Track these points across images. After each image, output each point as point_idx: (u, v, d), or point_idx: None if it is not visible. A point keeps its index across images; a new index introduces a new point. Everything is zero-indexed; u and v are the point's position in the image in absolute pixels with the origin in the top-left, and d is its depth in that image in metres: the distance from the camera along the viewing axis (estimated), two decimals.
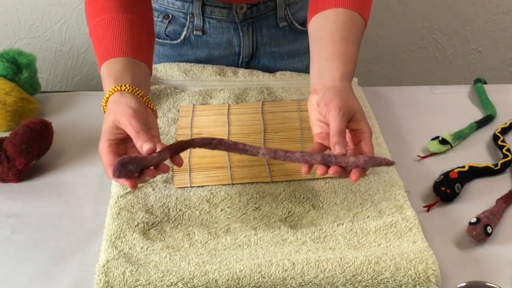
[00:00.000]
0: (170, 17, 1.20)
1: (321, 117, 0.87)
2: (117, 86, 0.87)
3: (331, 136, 0.82)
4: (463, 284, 0.78)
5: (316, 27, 0.96)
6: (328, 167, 0.81)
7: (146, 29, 0.98)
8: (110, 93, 0.87)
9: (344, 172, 0.82)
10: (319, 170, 0.82)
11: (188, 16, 1.20)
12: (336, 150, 0.81)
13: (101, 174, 0.99)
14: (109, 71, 0.90)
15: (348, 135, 0.85)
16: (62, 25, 1.78)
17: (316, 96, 0.88)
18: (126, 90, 0.87)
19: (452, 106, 1.19)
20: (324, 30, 0.94)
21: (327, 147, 0.85)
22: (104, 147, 0.84)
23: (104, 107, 0.88)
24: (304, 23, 1.21)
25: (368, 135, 0.84)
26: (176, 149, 0.84)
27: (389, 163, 0.82)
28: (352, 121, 0.85)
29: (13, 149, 0.96)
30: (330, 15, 0.95)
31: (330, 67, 0.90)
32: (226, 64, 1.22)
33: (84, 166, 1.02)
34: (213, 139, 0.86)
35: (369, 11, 0.98)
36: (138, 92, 0.88)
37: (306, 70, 1.20)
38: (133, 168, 0.78)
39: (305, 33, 1.03)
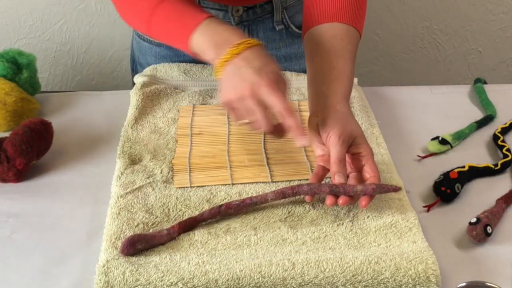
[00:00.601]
0: None
1: (322, 140, 0.88)
2: (251, 39, 0.85)
3: (331, 165, 0.85)
4: (463, 284, 0.78)
5: (312, 42, 0.96)
6: (336, 196, 0.85)
7: None
8: (252, 42, 0.84)
9: (353, 200, 0.85)
10: (328, 200, 0.85)
11: None
12: (336, 180, 0.84)
13: (101, 174, 1.00)
14: (217, 24, 0.88)
15: (349, 159, 0.88)
16: (62, 25, 1.78)
17: (316, 119, 0.89)
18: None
19: (452, 106, 1.19)
20: (320, 47, 0.94)
21: (329, 171, 0.88)
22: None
23: (235, 51, 0.83)
24: (301, 27, 1.21)
25: (370, 158, 0.87)
26: (185, 227, 0.86)
27: (396, 190, 0.86)
28: (353, 145, 0.87)
29: (13, 149, 0.96)
30: (326, 31, 0.94)
31: (327, 87, 0.90)
32: None
33: (84, 166, 1.02)
34: (220, 206, 0.87)
35: (363, 23, 0.99)
36: None
37: (303, 73, 1.20)
38: (141, 246, 0.81)
39: (301, 36, 1.03)
